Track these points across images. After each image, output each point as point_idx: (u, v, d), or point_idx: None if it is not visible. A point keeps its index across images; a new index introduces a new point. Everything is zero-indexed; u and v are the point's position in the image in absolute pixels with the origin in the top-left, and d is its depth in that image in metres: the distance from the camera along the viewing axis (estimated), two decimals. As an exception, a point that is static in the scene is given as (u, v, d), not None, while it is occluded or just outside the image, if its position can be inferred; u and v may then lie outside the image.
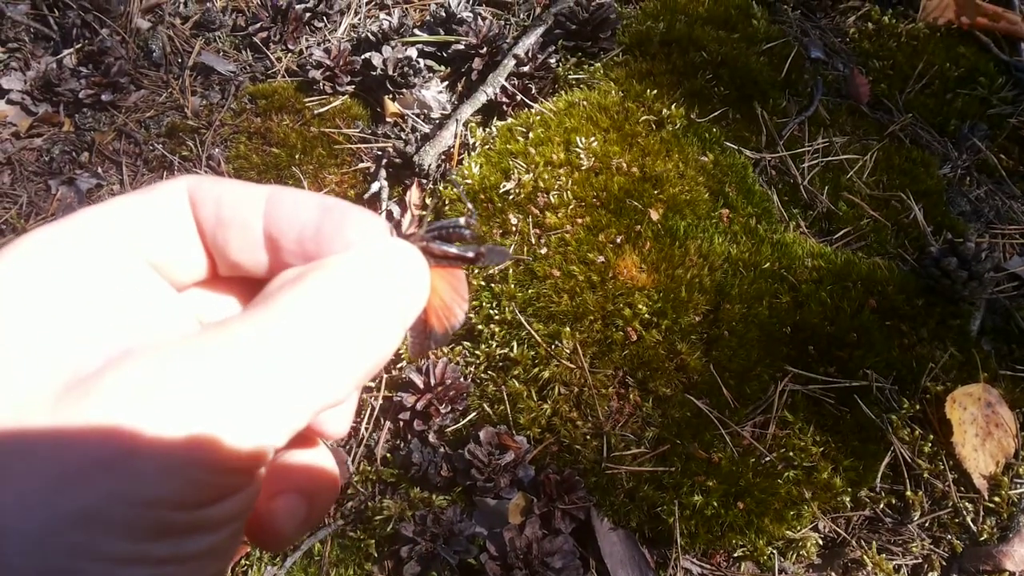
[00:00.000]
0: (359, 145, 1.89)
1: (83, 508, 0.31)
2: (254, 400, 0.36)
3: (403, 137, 1.90)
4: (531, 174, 1.68)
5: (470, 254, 0.49)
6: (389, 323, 0.42)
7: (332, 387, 0.39)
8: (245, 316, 0.39)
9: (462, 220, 0.50)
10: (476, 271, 1.60)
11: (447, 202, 1.71)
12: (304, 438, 0.50)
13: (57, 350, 0.37)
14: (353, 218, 0.46)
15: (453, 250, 0.48)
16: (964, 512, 1.46)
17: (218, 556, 0.37)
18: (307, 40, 2.11)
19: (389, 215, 1.75)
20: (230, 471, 0.35)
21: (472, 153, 1.78)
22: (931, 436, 1.50)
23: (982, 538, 1.44)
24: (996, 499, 1.46)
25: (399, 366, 1.59)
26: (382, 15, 2.12)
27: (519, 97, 1.87)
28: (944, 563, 1.43)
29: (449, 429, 1.51)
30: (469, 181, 1.70)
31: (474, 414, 1.52)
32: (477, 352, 1.55)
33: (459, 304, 0.50)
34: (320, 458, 0.51)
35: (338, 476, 0.52)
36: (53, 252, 0.41)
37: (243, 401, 0.35)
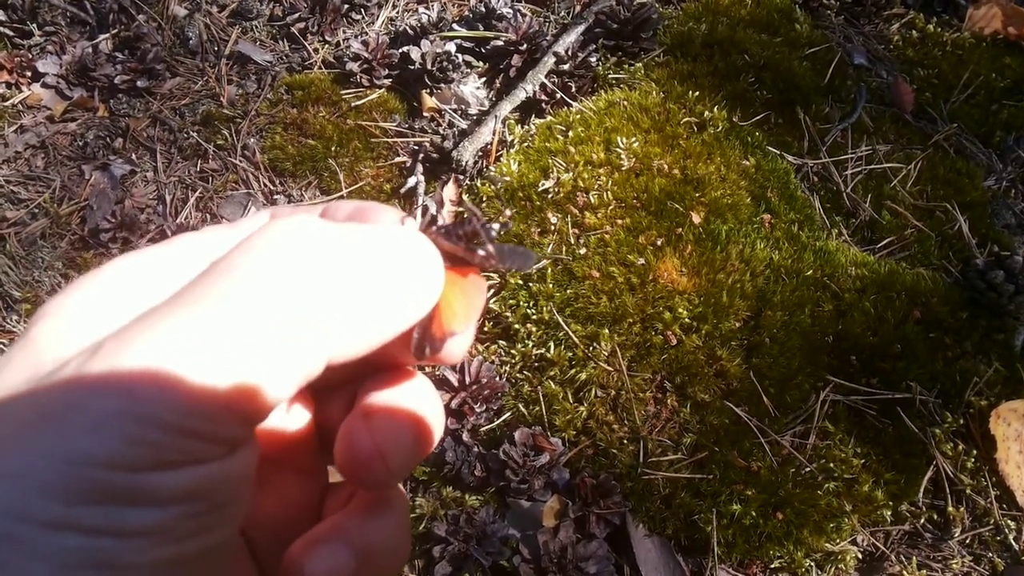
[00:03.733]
0: (395, 139, 1.87)
1: (20, 466, 0.30)
2: (196, 344, 0.32)
3: (440, 132, 1.88)
4: (570, 173, 1.66)
5: (480, 252, 0.43)
6: (362, 293, 0.38)
7: (299, 345, 0.35)
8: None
9: (496, 226, 0.44)
10: (509, 273, 1.58)
11: (484, 199, 1.69)
12: (375, 500, 0.45)
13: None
14: (375, 210, 0.46)
15: (461, 247, 0.43)
16: (1006, 530, 1.43)
17: (168, 540, 0.32)
18: (344, 32, 2.10)
19: (425, 210, 1.74)
20: (170, 429, 0.31)
21: (510, 150, 1.76)
22: (974, 452, 1.47)
23: (1024, 557, 1.41)
24: (1040, 518, 1.43)
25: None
26: (421, 9, 2.10)
27: (559, 95, 1.85)
28: (986, 582, 1.40)
29: (483, 429, 1.49)
30: (508, 179, 1.68)
31: (508, 414, 1.50)
32: (513, 351, 1.53)
33: (464, 315, 0.43)
34: (387, 509, 0.45)
35: (408, 538, 0.46)
36: (137, 269, 0.41)
37: (183, 346, 0.32)
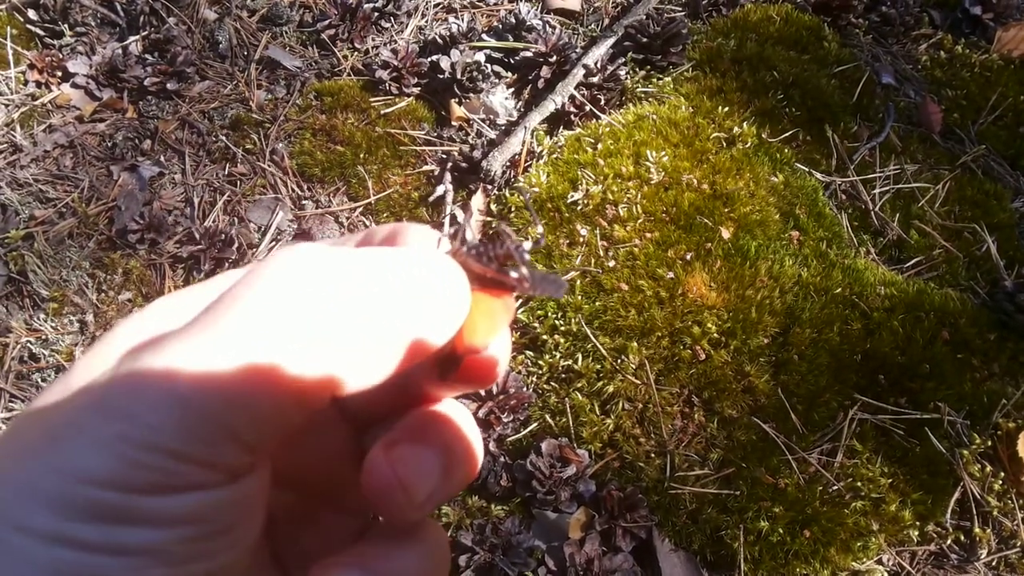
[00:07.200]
0: (424, 147, 1.88)
1: (20, 477, 0.30)
2: (198, 369, 0.32)
3: (469, 141, 1.88)
4: (599, 186, 1.66)
5: (512, 275, 0.41)
6: (376, 316, 0.36)
7: (307, 371, 0.34)
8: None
9: (528, 244, 0.42)
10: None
11: (512, 208, 1.70)
12: (401, 530, 0.44)
13: None
14: (407, 232, 0.44)
15: (492, 269, 0.41)
16: (1033, 553, 1.42)
17: (166, 562, 0.32)
18: (374, 40, 2.11)
19: (453, 219, 1.74)
20: (169, 454, 0.31)
21: (539, 161, 1.77)
22: (1001, 474, 1.46)
23: (1051, 581, 1.40)
24: (1067, 542, 1.43)
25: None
26: (450, 18, 2.11)
27: (587, 107, 1.86)
28: (1012, 605, 1.40)
29: (509, 439, 1.49)
30: (536, 189, 1.68)
31: (535, 425, 1.50)
32: (540, 362, 1.53)
33: (486, 333, 0.42)
34: (413, 541, 0.44)
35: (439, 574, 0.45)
36: (178, 306, 0.41)
37: (186, 370, 0.31)
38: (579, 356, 1.51)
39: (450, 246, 0.44)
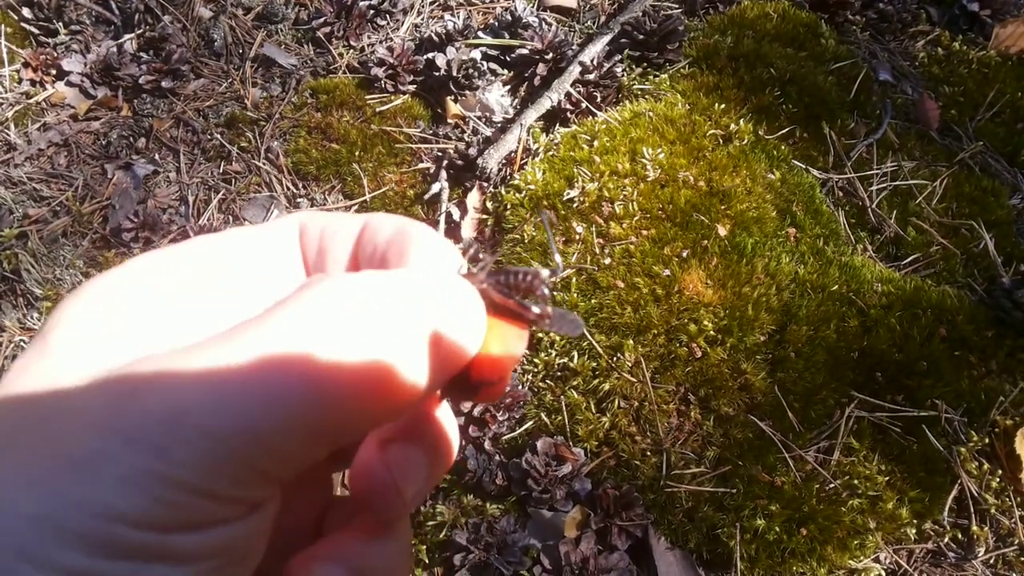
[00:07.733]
0: (419, 145, 1.87)
1: (41, 509, 0.29)
2: (226, 402, 0.31)
3: (465, 139, 1.88)
4: (596, 183, 1.65)
5: (535, 310, 0.41)
6: (392, 347, 0.35)
7: (318, 416, 0.33)
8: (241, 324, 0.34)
9: (546, 272, 0.41)
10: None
11: (508, 207, 1.69)
12: (378, 525, 0.44)
13: (114, 353, 0.36)
14: (417, 240, 0.43)
15: (513, 301, 0.41)
16: (1031, 551, 1.42)
17: None
18: (369, 37, 2.10)
19: (448, 217, 1.73)
20: (199, 492, 0.31)
21: (535, 159, 1.76)
22: (999, 471, 1.46)
23: (1049, 579, 1.40)
24: (1065, 540, 1.42)
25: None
26: (446, 16, 2.10)
27: (584, 104, 1.85)
28: (1010, 603, 1.39)
29: (505, 437, 1.48)
30: (532, 187, 1.67)
31: (530, 423, 1.49)
32: (536, 360, 1.53)
33: (502, 364, 0.41)
34: (390, 535, 0.44)
35: (407, 564, 0.45)
36: (152, 271, 0.41)
37: (213, 402, 0.31)
38: (575, 354, 1.50)
39: (468, 270, 0.43)
